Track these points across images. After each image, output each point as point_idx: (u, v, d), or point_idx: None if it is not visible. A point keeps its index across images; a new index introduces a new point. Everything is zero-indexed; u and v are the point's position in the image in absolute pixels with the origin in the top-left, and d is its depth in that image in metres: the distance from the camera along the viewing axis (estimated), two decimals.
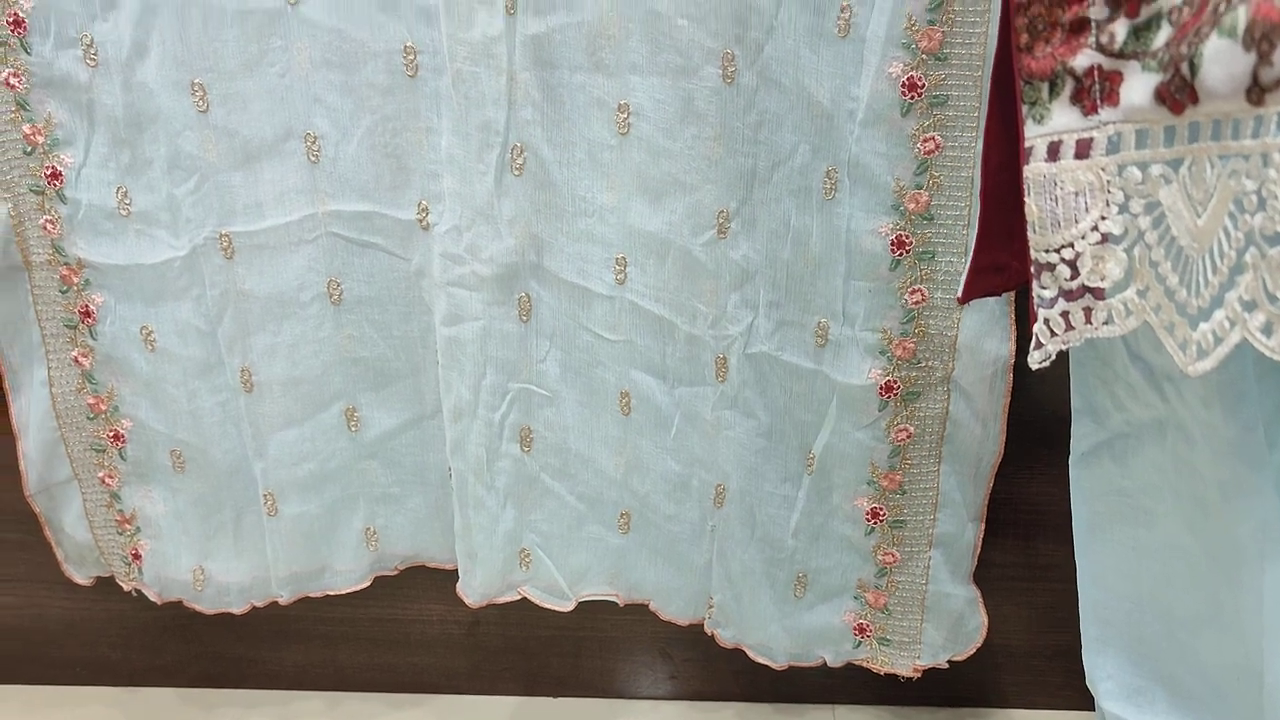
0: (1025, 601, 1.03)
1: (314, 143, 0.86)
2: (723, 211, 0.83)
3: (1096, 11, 0.44)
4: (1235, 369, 0.44)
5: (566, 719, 1.09)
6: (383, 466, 0.97)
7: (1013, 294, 0.83)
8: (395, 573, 1.03)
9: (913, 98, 0.79)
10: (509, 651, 1.10)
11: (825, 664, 0.99)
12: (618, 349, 0.89)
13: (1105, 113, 0.44)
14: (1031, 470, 0.97)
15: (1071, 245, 0.46)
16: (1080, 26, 0.44)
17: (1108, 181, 0.45)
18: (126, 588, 1.03)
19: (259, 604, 1.02)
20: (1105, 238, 0.45)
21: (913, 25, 0.77)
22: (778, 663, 0.99)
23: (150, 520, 0.99)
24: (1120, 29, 0.43)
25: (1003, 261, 0.56)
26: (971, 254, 0.57)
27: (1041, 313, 0.48)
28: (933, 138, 0.80)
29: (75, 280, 0.91)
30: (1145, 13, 0.42)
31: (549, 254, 0.87)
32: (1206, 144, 0.40)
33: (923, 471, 0.91)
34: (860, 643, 0.98)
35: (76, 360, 0.94)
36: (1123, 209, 0.45)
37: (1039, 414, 0.93)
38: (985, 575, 0.96)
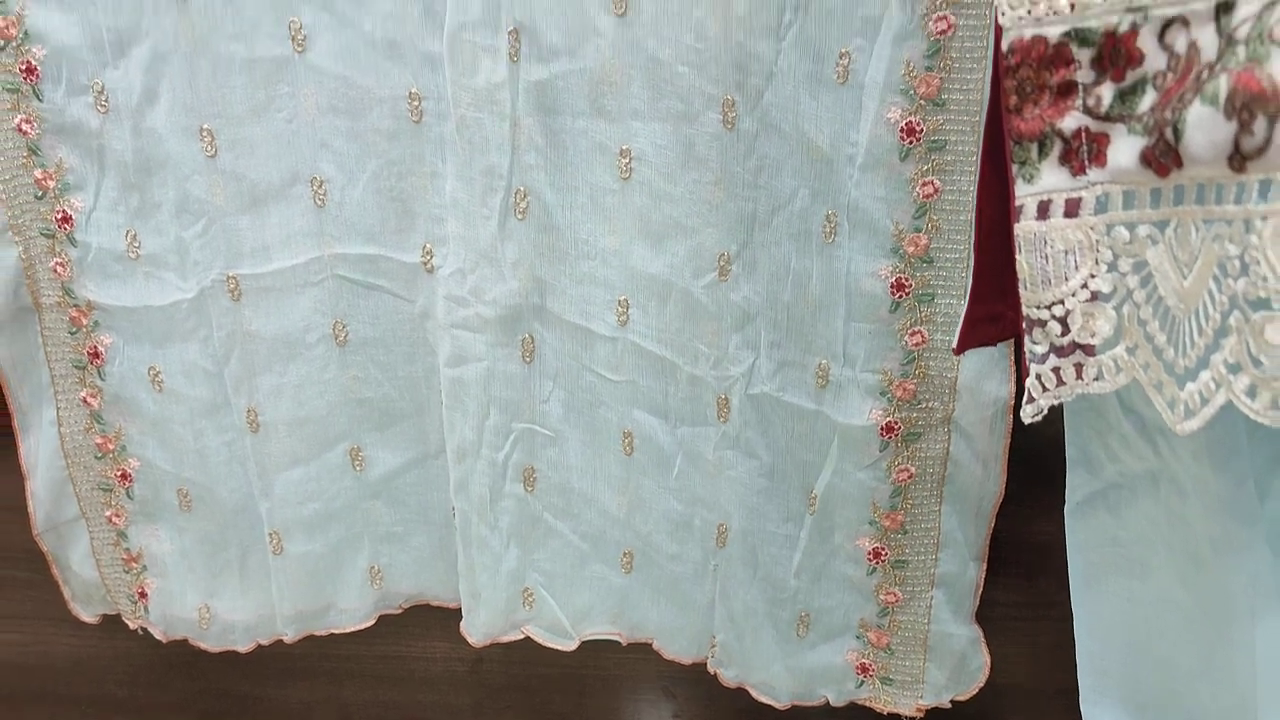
0: (1028, 640, 1.03)
1: (320, 187, 0.87)
2: (724, 254, 0.84)
3: (1083, 75, 0.44)
4: (1226, 424, 0.45)
5: None
6: (387, 506, 0.98)
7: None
8: (399, 611, 1.03)
9: (911, 143, 0.80)
10: (512, 689, 1.10)
11: (828, 703, 0.99)
12: (620, 389, 0.90)
13: (1093, 173, 0.45)
14: (1033, 509, 0.97)
15: (1062, 302, 0.47)
16: (1068, 89, 0.45)
17: (1096, 240, 0.45)
18: (132, 626, 1.03)
19: (264, 642, 1.03)
20: (1095, 295, 0.46)
21: (911, 72, 0.78)
22: (781, 702, 0.99)
23: (156, 559, 1.00)
24: (1106, 93, 0.44)
25: (997, 312, 0.56)
26: (966, 305, 0.58)
27: (1034, 368, 0.49)
28: (931, 182, 0.80)
29: (84, 322, 0.92)
30: (1130, 78, 0.43)
31: (552, 296, 0.88)
32: (1191, 207, 0.41)
33: (924, 511, 0.91)
34: (863, 682, 0.98)
35: (85, 400, 0.95)
36: (1111, 267, 0.45)
37: (1040, 453, 0.93)
38: (988, 614, 0.96)
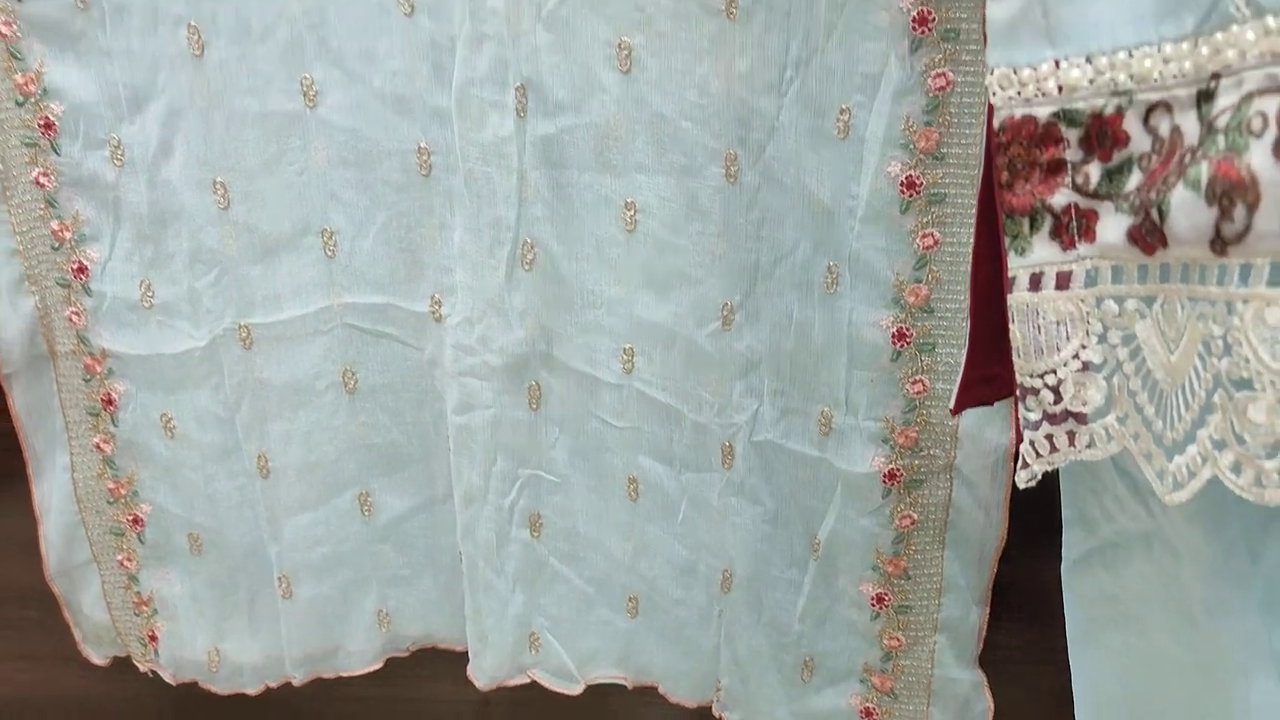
0: (1031, 684, 1.03)
1: (330, 238, 0.88)
2: (727, 304, 0.85)
3: (1072, 154, 0.46)
4: (1217, 489, 0.46)
5: None
6: (395, 550, 0.99)
7: None
8: (407, 654, 1.04)
9: (911, 195, 0.81)
10: None
11: None
12: (625, 436, 0.91)
13: (1082, 248, 0.46)
14: (1035, 553, 0.97)
15: (1054, 371, 0.48)
16: (1057, 167, 0.46)
17: (1087, 313, 0.47)
18: (143, 668, 1.04)
19: (273, 684, 1.04)
20: (1086, 365, 0.47)
21: (910, 127, 0.79)
22: None
23: (167, 602, 1.01)
24: (1094, 171, 0.45)
25: (993, 373, 0.58)
26: (963, 368, 0.59)
27: (1027, 434, 0.50)
28: (931, 234, 0.82)
29: (98, 369, 0.94)
30: (1117, 158, 0.44)
31: (558, 344, 0.89)
32: (1177, 285, 0.42)
33: (927, 557, 0.92)
34: None
35: (98, 446, 0.96)
36: (1102, 339, 0.46)
37: (1042, 499, 0.93)
38: (991, 658, 0.96)
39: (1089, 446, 0.48)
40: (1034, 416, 0.49)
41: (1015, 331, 0.49)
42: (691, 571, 0.94)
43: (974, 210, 0.80)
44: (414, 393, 0.94)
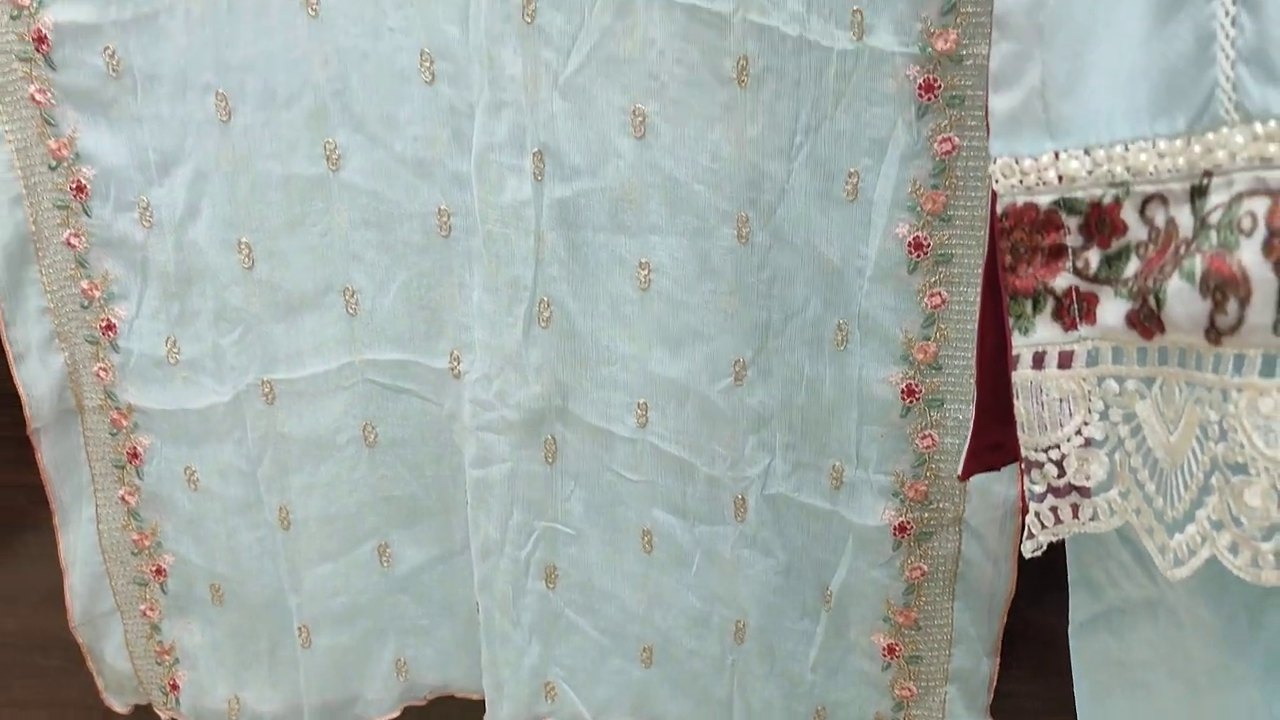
0: None
1: (352, 296, 0.91)
2: (739, 360, 0.87)
3: (1072, 240, 0.48)
4: (1217, 561, 0.47)
5: None
6: (413, 600, 1.01)
7: None
8: (424, 702, 1.05)
9: (919, 256, 0.83)
10: None
11: None
12: (640, 489, 0.93)
13: (1084, 329, 0.48)
14: (1044, 603, 0.99)
15: (1058, 446, 0.50)
16: (1058, 252, 0.48)
17: (1089, 391, 0.48)
18: (164, 717, 1.06)
19: None
20: (1088, 441, 0.49)
21: (917, 189, 0.81)
22: None
23: (188, 651, 1.03)
24: (1094, 257, 0.47)
25: (999, 440, 0.59)
26: (969, 436, 0.61)
27: (1033, 505, 0.51)
28: (939, 293, 0.84)
29: (125, 424, 0.96)
30: (1115, 245, 0.46)
31: (574, 399, 0.91)
32: (1175, 369, 0.44)
33: (937, 608, 0.93)
34: None
35: (123, 499, 0.98)
36: (1103, 416, 0.48)
37: (1052, 549, 0.95)
38: (1002, 707, 0.97)
39: (1093, 519, 0.50)
40: (1039, 489, 0.51)
41: (1020, 407, 0.51)
42: (705, 622, 0.96)
43: (980, 270, 0.82)
44: (433, 447, 0.95)
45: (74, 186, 0.89)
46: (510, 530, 0.94)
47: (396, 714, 1.04)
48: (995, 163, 0.49)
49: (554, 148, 0.83)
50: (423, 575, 1.00)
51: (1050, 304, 0.49)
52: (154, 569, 1.01)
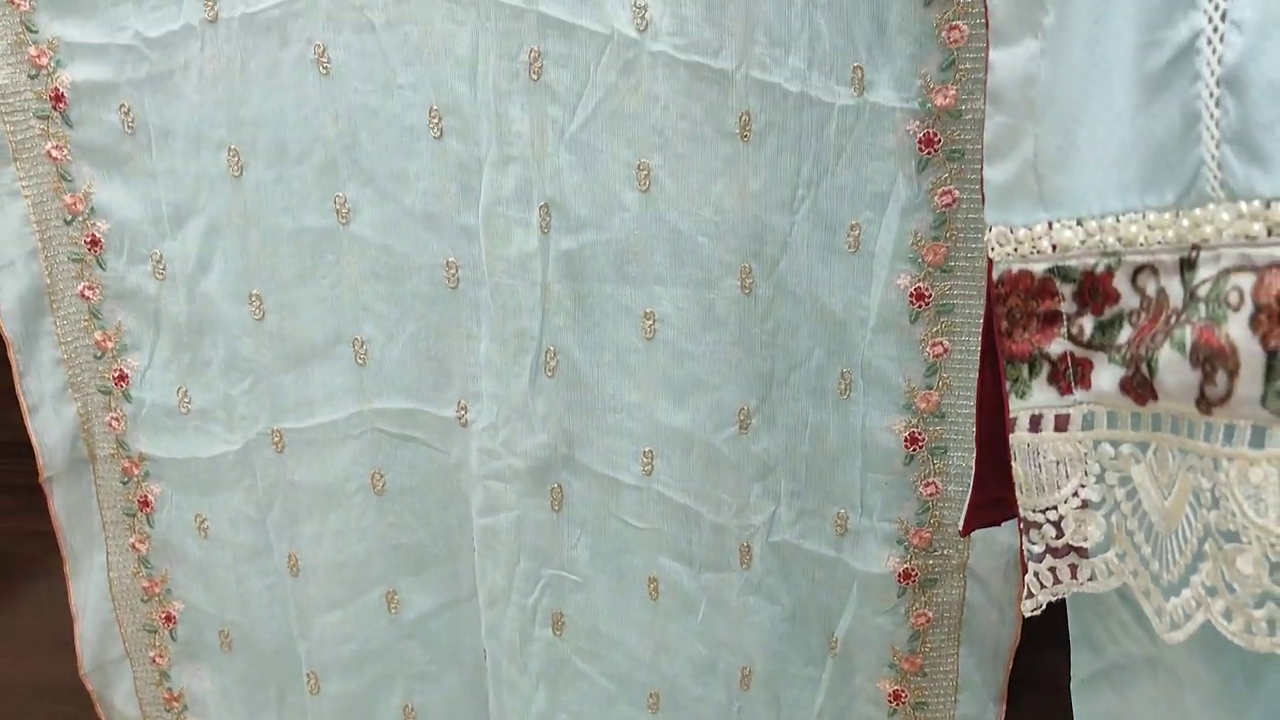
0: None
1: (361, 347, 0.92)
2: (744, 409, 0.88)
3: (1067, 307, 0.49)
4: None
5: None
6: (421, 647, 1.01)
7: None
8: None
9: (920, 306, 0.84)
10: None
11: None
12: (646, 536, 0.93)
13: (1079, 394, 0.49)
14: (1050, 650, 0.99)
15: (1055, 508, 0.50)
16: (1053, 318, 0.49)
17: (1085, 454, 0.49)
18: None
19: None
20: (1085, 503, 0.50)
21: (918, 241, 0.82)
22: None
23: (197, 698, 1.03)
24: (1088, 324, 0.48)
25: (999, 497, 0.60)
26: (970, 493, 0.62)
27: (1032, 565, 0.52)
28: (940, 342, 0.85)
29: (136, 472, 0.97)
30: (1108, 313, 0.47)
31: (580, 448, 0.92)
32: (1168, 435, 0.45)
33: (942, 655, 0.93)
34: None
35: (134, 546, 0.99)
36: (1100, 479, 0.49)
37: (1055, 601, 0.95)
38: None
39: (1091, 580, 0.50)
40: (1038, 549, 0.52)
41: (1017, 469, 0.52)
42: (711, 669, 0.96)
43: (981, 320, 0.83)
44: (440, 495, 0.96)
45: (88, 240, 0.90)
46: (517, 578, 0.94)
47: None
48: (991, 231, 0.50)
49: (560, 201, 0.85)
50: (430, 622, 1.01)
51: (1046, 369, 0.50)
52: (164, 616, 1.01)
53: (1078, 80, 0.46)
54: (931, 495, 0.89)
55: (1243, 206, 0.39)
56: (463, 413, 0.93)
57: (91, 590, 1.01)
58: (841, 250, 0.84)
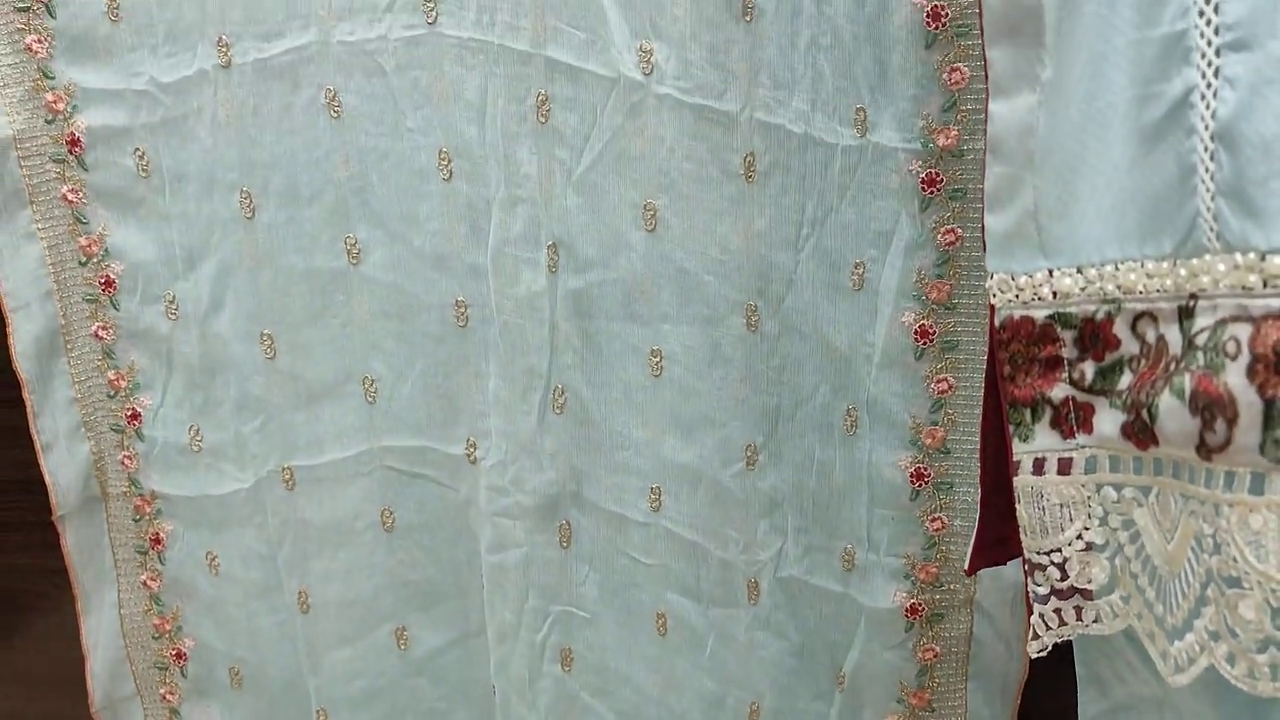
0: None
1: (371, 385, 0.93)
2: (750, 445, 0.88)
3: (1068, 352, 0.49)
4: None
5: None
6: (430, 683, 1.02)
7: None
8: None
9: (925, 343, 0.85)
10: None
11: None
12: (654, 572, 0.94)
13: (1081, 438, 0.49)
14: (1058, 685, 0.99)
15: (1059, 550, 0.51)
16: (1054, 364, 0.50)
17: (1088, 497, 0.50)
18: None
19: None
20: (1089, 546, 0.50)
21: (922, 279, 0.83)
22: None
23: None
24: (1089, 369, 0.49)
25: (1004, 535, 0.60)
26: (975, 532, 0.62)
27: (1037, 607, 0.53)
28: (945, 379, 0.85)
29: (147, 510, 0.98)
30: (1109, 359, 0.48)
31: (588, 484, 0.92)
32: (1170, 480, 0.45)
33: (950, 689, 0.94)
34: None
35: (145, 584, 1.00)
36: (1103, 522, 0.50)
37: None
38: None
39: (1096, 621, 0.51)
40: (1043, 591, 0.52)
41: (1021, 511, 0.52)
42: (719, 704, 0.96)
43: (985, 356, 0.84)
44: (449, 531, 0.97)
45: (103, 281, 0.92)
46: (526, 614, 0.95)
47: None
48: (992, 278, 0.51)
49: (568, 241, 0.86)
50: (440, 658, 1.01)
51: (1048, 413, 0.50)
52: (174, 653, 1.02)
53: (1075, 132, 0.47)
54: (938, 530, 0.89)
55: (1238, 258, 0.40)
56: (472, 450, 0.94)
57: (103, 627, 1.01)
58: (846, 288, 0.85)
